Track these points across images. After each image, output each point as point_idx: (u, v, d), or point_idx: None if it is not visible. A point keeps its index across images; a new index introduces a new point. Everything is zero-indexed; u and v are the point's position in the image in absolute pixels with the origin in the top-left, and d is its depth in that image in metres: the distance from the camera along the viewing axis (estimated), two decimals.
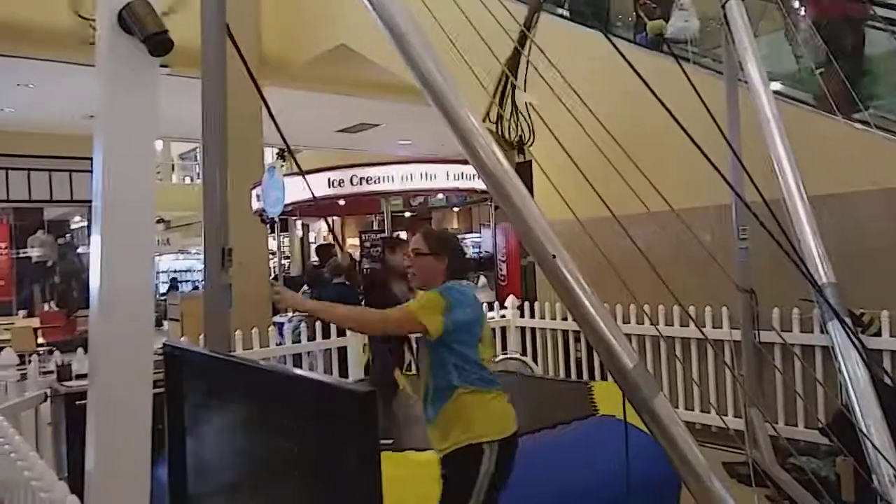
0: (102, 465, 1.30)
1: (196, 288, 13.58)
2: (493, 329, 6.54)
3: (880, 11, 4.83)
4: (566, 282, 2.07)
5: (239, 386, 1.09)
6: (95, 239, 1.36)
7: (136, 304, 1.34)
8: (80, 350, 5.02)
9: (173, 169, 21.73)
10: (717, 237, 4.89)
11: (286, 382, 1.01)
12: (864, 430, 2.69)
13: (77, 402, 4.08)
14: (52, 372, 4.62)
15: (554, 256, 2.10)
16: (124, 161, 1.37)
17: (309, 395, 0.93)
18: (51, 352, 9.35)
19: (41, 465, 2.06)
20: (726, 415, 5.00)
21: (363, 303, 4.57)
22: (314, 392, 0.92)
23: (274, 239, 10.60)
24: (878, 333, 4.26)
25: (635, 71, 2.30)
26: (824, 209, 4.05)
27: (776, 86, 4.60)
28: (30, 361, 4.57)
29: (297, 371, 1.06)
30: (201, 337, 4.75)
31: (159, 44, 1.33)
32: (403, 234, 12.03)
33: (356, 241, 16.83)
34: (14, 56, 8.35)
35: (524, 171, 7.96)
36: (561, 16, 5.88)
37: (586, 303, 2.06)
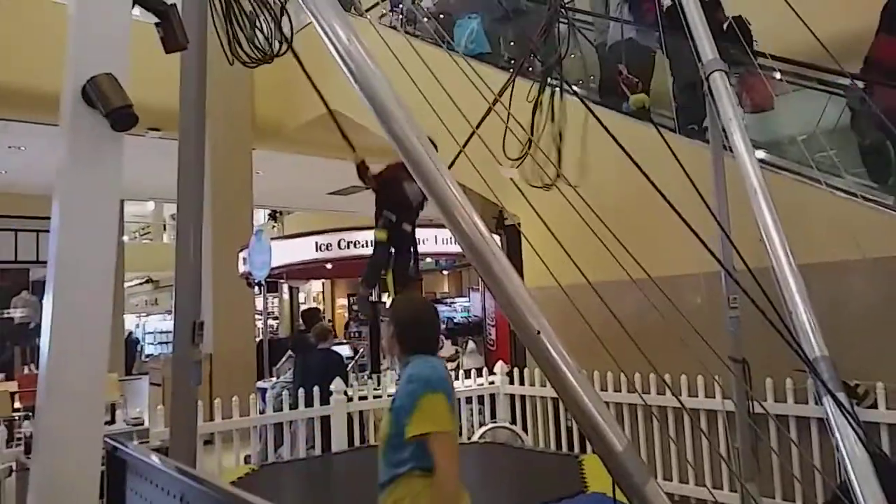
0: None
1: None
2: (482, 396, 6.39)
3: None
4: (552, 360, 1.98)
5: (182, 499, 0.99)
6: (47, 304, 1.29)
7: (86, 375, 1.26)
8: None
9: (164, 229, 21.73)
10: (708, 304, 4.83)
11: None
12: None
13: None
14: (18, 441, 4.45)
15: (538, 332, 2.02)
16: (81, 229, 1.32)
17: None
18: (27, 417, 9.07)
19: None
20: (721, 488, 4.83)
21: (376, 202, 4.37)
22: None
23: (261, 302, 10.48)
24: (874, 405, 4.16)
25: (619, 145, 2.28)
26: (813, 278, 4.01)
27: (761, 154, 4.64)
28: (19, 425, 4.40)
29: (240, 494, 0.94)
30: (158, 408, 4.63)
31: (123, 118, 1.29)
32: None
33: (345, 302, 16.70)
34: (7, 119, 8.40)
35: (513, 235, 7.96)
36: (550, 85, 5.99)
37: (573, 382, 1.96)
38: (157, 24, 1.50)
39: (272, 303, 16.37)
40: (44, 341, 1.27)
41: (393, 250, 4.56)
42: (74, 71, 1.33)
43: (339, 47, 2.06)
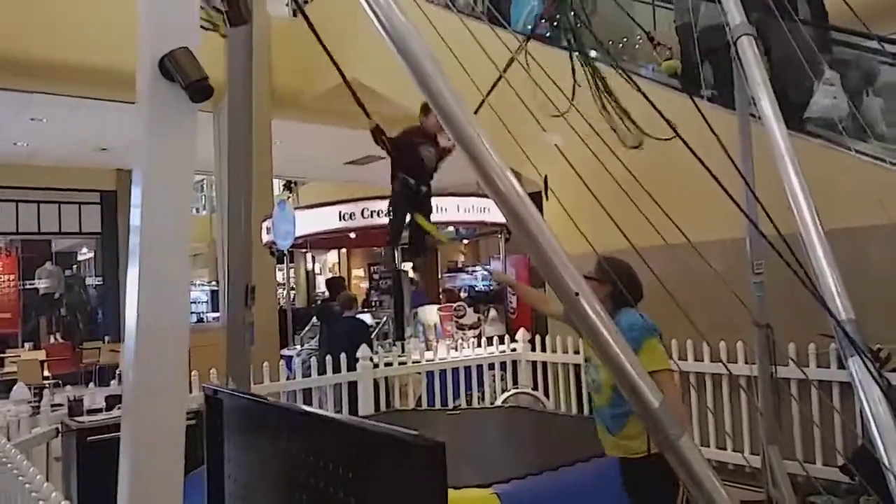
0: (135, 497, 1.29)
1: (201, 320, 13.53)
2: (504, 363, 6.51)
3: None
4: (591, 321, 2.06)
5: (292, 434, 1.08)
6: (132, 272, 1.37)
7: (172, 336, 1.35)
8: (90, 385, 5.02)
9: None
10: (730, 271, 4.87)
11: (345, 432, 1.00)
12: (888, 466, 2.65)
13: (89, 438, 4.06)
14: (60, 406, 4.61)
15: (577, 294, 2.09)
16: (163, 202, 1.39)
17: (371, 445, 0.92)
18: (56, 385, 9.32)
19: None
20: (741, 452, 4.94)
21: (392, 165, 4.42)
22: (377, 442, 0.91)
23: (281, 272, 10.62)
24: None
25: (656, 109, 2.32)
26: (838, 244, 4.05)
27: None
28: (40, 396, 4.56)
29: (357, 420, 1.04)
30: (212, 371, 4.76)
31: (200, 90, 1.35)
32: (409, 266, 12.03)
33: (361, 273, 16.85)
34: (29, 91, 8.48)
35: (534, 203, 7.97)
36: (578, 51, 5.94)
37: (612, 342, 2.04)
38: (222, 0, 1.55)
39: (290, 274, 16.54)
40: (130, 307, 1.35)
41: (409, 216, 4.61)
42: (151, 46, 1.39)
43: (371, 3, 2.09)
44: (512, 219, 2.17)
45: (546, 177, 4.95)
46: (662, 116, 2.41)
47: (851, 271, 3.30)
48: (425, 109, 4.43)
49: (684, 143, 2.35)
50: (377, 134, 4.22)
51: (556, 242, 2.12)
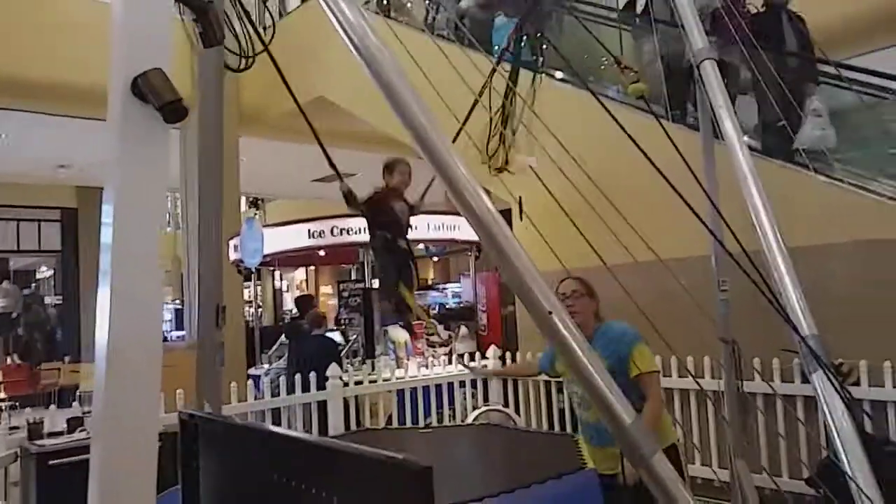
0: None
1: (165, 339, 13.23)
2: (475, 380, 6.51)
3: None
4: (564, 339, 2.08)
5: (273, 458, 1.06)
6: (104, 292, 1.35)
7: (144, 356, 1.33)
8: (51, 406, 4.87)
9: None
10: (697, 288, 4.96)
11: (330, 456, 0.99)
12: (851, 477, 2.72)
13: (50, 462, 3.94)
14: (16, 428, 4.47)
15: (550, 313, 2.11)
16: (135, 221, 1.38)
17: (357, 469, 0.91)
18: (14, 407, 9.03)
19: None
20: (710, 466, 5.00)
21: (368, 225, 4.53)
22: (363, 466, 0.90)
23: (248, 290, 10.49)
24: (857, 383, 4.33)
25: (623, 128, 2.37)
26: (800, 261, 4.16)
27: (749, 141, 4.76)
28: (5, 415, 4.42)
29: (342, 444, 1.02)
30: (178, 391, 4.66)
31: (174, 112, 1.35)
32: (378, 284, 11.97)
33: (330, 290, 16.72)
34: None
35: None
36: (546, 74, 6.04)
37: (584, 360, 2.06)
38: (195, 20, 1.55)
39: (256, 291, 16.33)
40: (101, 326, 1.33)
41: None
42: (123, 66, 1.38)
43: (342, 20, 2.09)
44: (484, 237, 2.19)
45: (521, 198, 5.02)
46: (631, 139, 2.46)
47: (813, 289, 3.40)
48: (388, 168, 4.56)
49: (652, 163, 2.41)
50: (350, 198, 4.35)
51: (529, 261, 2.15)
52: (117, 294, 1.32)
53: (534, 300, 2.13)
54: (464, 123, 3.77)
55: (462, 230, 7.48)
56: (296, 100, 3.39)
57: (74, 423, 4.39)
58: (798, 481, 4.46)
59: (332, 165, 3.75)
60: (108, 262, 1.35)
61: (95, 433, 1.32)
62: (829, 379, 2.83)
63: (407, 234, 4.57)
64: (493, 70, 4.73)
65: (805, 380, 4.40)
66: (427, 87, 3.04)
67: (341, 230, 7.37)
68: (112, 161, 1.38)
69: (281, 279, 18.63)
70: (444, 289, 10.40)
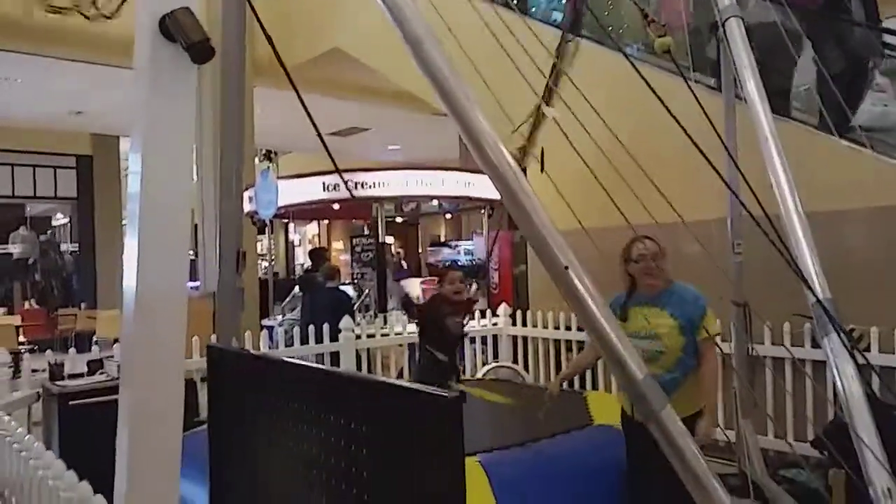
0: (135, 461, 1.31)
1: None
2: (485, 337, 6.58)
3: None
4: (579, 294, 2.10)
5: (306, 392, 1.09)
6: (131, 240, 1.37)
7: (171, 303, 1.36)
8: (72, 350, 4.99)
9: None
10: (710, 251, 4.95)
11: (361, 387, 1.01)
12: (859, 438, 2.76)
13: (71, 403, 4.05)
14: (39, 371, 4.59)
15: (566, 268, 2.13)
16: (162, 165, 1.38)
17: (387, 399, 0.93)
18: (32, 350, 9.24)
19: (59, 464, 2.03)
20: (717, 426, 5.06)
21: (419, 333, 4.76)
22: (394, 397, 0.92)
23: (261, 242, 10.53)
24: (868, 349, 4.34)
25: (654, 91, 2.34)
26: (815, 226, 4.13)
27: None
28: (15, 360, 4.52)
29: (371, 377, 1.05)
30: (194, 339, 4.75)
31: (202, 51, 1.34)
32: (390, 239, 12.01)
33: (341, 245, 16.81)
34: (3, 50, 8.25)
35: None
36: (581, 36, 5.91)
37: (598, 315, 2.08)
38: None
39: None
40: (129, 270, 1.35)
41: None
42: (152, 5, 1.38)
43: None
44: (504, 190, 2.19)
45: (542, 150, 4.97)
46: (660, 101, 2.43)
47: (827, 254, 3.38)
48: (440, 279, 4.83)
49: (681, 127, 2.38)
50: (407, 304, 4.89)
51: (548, 217, 2.15)
52: (145, 242, 1.33)
53: (551, 255, 2.14)
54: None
55: (476, 187, 7.46)
56: (294, 86, 3.35)
57: (94, 366, 4.50)
58: (803, 443, 4.52)
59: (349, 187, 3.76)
60: (137, 210, 1.35)
61: (125, 377, 1.36)
62: (842, 341, 2.84)
63: (455, 349, 4.75)
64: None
65: (815, 345, 4.42)
66: (451, 43, 3.00)
67: (356, 184, 7.36)
68: (140, 103, 1.38)
69: (294, 232, 18.71)
70: (457, 246, 10.41)
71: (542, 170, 4.87)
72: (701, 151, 2.34)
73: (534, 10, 6.22)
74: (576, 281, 2.11)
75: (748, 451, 4.27)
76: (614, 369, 2.13)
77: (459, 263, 9.24)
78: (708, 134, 3.02)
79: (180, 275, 1.39)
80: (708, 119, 2.80)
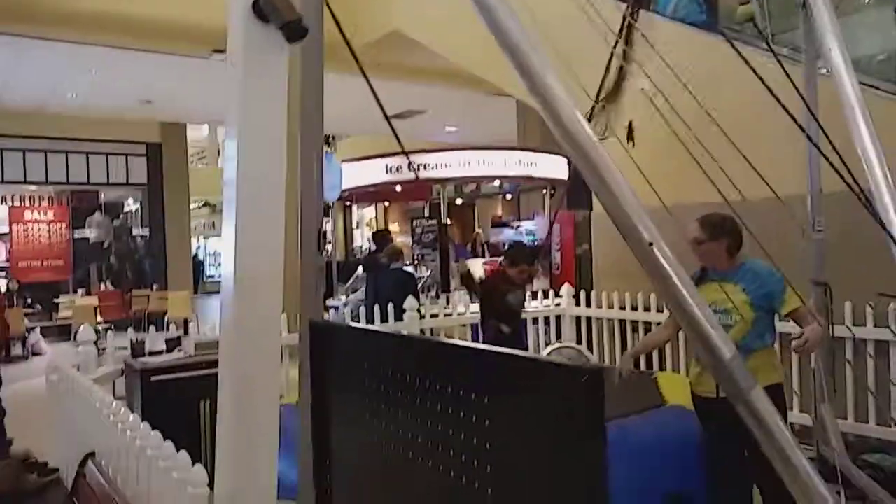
0: (237, 433, 1.35)
1: None
2: (548, 318, 6.53)
3: None
4: (664, 271, 2.04)
5: (412, 361, 1.09)
6: (228, 225, 1.39)
7: (269, 284, 1.38)
8: (151, 329, 5.20)
9: (219, 153, 21.97)
10: (783, 230, 4.78)
11: (489, 360, 1.00)
12: None
13: (152, 378, 4.23)
14: (122, 348, 4.79)
15: (651, 244, 2.07)
16: (259, 148, 1.39)
17: (520, 374, 0.91)
18: (109, 329, 9.67)
19: (156, 434, 2.12)
20: (792, 410, 4.91)
21: (480, 307, 4.92)
22: (528, 371, 0.91)
23: (324, 224, 10.69)
24: None
25: (755, 72, 2.24)
26: None
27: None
28: (97, 339, 4.73)
29: (491, 348, 1.05)
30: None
31: (296, 31, 1.35)
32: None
33: (397, 228, 16.97)
34: (80, 43, 8.56)
35: None
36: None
37: (685, 293, 2.02)
38: None
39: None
40: (227, 254, 1.38)
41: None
42: None
43: None
44: (585, 164, 2.14)
45: (631, 122, 4.84)
46: (761, 80, 2.32)
47: None
48: (512, 261, 4.85)
49: (773, 95, 2.27)
50: (466, 279, 4.83)
51: (632, 192, 2.10)
52: (243, 226, 1.35)
53: (635, 231, 2.09)
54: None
55: (538, 167, 7.38)
56: (360, 65, 3.34)
57: (172, 344, 4.69)
58: (885, 428, 4.35)
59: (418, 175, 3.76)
60: (233, 196, 1.37)
61: (225, 355, 1.39)
62: None
63: (518, 322, 4.86)
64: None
65: None
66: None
67: (418, 165, 7.39)
68: (235, 87, 1.39)
69: (352, 215, 18.95)
70: (519, 226, 10.34)
71: (632, 142, 4.75)
72: (801, 127, 2.24)
73: None
74: (661, 258, 2.06)
75: (827, 436, 4.13)
76: (700, 349, 2.07)
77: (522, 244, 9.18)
78: (779, 109, 2.90)
79: (277, 257, 1.41)
80: (795, 88, 2.67)
